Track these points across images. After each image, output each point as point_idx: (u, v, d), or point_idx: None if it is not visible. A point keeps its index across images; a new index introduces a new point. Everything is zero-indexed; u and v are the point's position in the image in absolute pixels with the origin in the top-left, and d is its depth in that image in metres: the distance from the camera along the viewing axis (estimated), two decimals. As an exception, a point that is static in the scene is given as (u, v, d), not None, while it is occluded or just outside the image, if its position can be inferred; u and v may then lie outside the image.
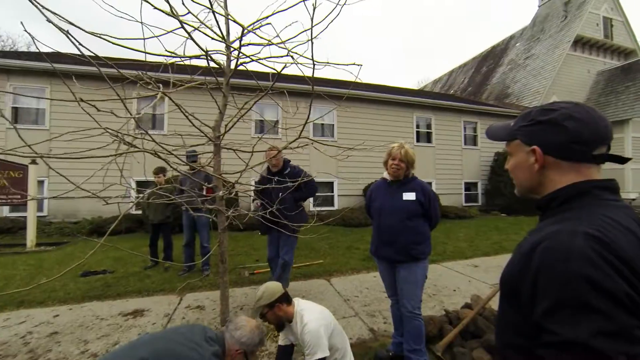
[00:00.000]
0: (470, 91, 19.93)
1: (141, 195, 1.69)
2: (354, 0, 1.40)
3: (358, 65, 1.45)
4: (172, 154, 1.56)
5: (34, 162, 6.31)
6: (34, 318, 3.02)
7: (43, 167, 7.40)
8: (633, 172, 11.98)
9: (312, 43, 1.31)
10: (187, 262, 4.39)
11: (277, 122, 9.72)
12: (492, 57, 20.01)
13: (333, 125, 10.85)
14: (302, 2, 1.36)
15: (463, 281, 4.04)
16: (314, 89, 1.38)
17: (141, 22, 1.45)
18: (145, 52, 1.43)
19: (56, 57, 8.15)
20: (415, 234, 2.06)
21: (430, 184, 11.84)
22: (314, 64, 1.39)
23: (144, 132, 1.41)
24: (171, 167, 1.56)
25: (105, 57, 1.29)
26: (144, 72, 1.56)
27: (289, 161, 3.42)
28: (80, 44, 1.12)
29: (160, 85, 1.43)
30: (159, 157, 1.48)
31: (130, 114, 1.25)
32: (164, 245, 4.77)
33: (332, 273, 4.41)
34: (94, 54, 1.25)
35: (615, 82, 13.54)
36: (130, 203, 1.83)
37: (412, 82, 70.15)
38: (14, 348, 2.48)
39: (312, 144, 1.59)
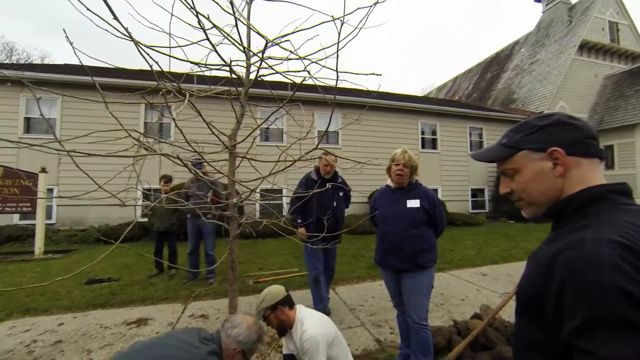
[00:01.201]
0: (475, 97, 19.86)
1: (150, 202, 1.73)
2: (372, 25, 1.47)
3: (378, 75, 1.50)
4: (189, 162, 1.62)
5: (43, 170, 6.44)
6: (39, 326, 3.02)
7: (52, 175, 7.55)
8: (645, 178, 11.70)
9: (338, 56, 1.38)
10: (192, 270, 4.38)
11: (282, 130, 9.79)
12: (496, 63, 19.97)
13: (337, 132, 10.88)
14: (324, 22, 1.44)
15: (471, 290, 3.94)
16: (335, 100, 1.45)
17: (169, 34, 1.54)
18: (170, 56, 1.50)
19: (72, 69, 8.40)
20: (420, 242, 2.01)
21: (436, 190, 11.73)
22: (337, 76, 1.45)
23: (162, 140, 1.46)
24: (190, 170, 1.62)
25: (131, 69, 1.38)
26: (166, 81, 1.63)
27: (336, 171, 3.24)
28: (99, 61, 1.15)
29: (187, 94, 1.50)
30: (180, 162, 1.54)
31: (154, 121, 1.27)
32: (168, 253, 4.78)
33: (337, 281, 4.35)
34: (110, 64, 1.29)
35: (624, 86, 13.35)
36: (141, 209, 1.90)
37: (416, 88, 70.42)
38: (18, 357, 2.48)
39: (327, 154, 1.64)
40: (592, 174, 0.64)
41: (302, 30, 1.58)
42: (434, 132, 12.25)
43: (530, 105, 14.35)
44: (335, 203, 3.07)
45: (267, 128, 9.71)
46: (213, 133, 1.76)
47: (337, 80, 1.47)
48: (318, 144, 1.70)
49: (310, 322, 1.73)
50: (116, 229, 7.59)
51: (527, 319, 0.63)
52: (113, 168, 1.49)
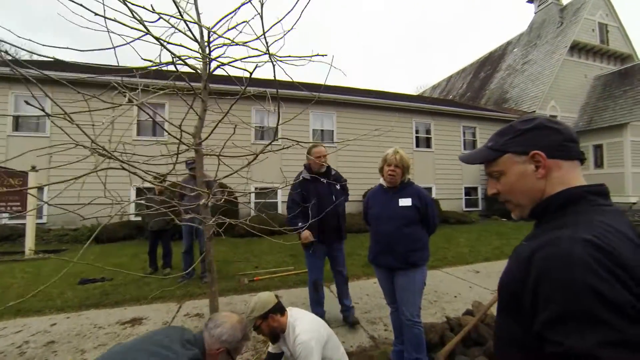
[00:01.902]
0: (468, 96, 20.04)
1: (135, 201, 1.68)
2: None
3: (322, 55, 1.44)
4: (140, 169, 1.53)
5: (33, 169, 6.32)
6: (31, 327, 2.99)
7: (43, 174, 7.41)
8: (633, 176, 11.97)
9: (265, 34, 1.27)
10: (187, 269, 4.36)
11: (277, 128, 9.77)
12: (489, 63, 20.17)
13: (332, 131, 10.90)
14: None
15: (464, 287, 4.00)
16: (278, 92, 1.35)
17: (107, 30, 1.36)
18: (118, 65, 1.41)
19: (51, 65, 8.24)
20: (412, 241, 2.04)
21: (430, 189, 11.84)
22: (272, 63, 1.36)
23: (116, 142, 1.38)
24: (142, 178, 1.53)
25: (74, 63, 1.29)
26: (121, 77, 1.52)
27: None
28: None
29: (127, 92, 1.42)
30: (128, 171, 1.45)
31: (109, 122, 1.24)
32: (163, 253, 4.75)
33: (332, 280, 4.37)
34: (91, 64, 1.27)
35: (613, 87, 13.62)
36: (112, 215, 1.79)
37: (410, 88, 70.73)
38: (9, 358, 2.45)
39: (297, 144, 1.57)
40: (572, 176, 0.66)
41: (243, 5, 1.40)
42: (428, 131, 12.35)
43: (523, 104, 14.54)
44: (334, 197, 2.89)
45: (262, 127, 9.68)
46: (169, 133, 1.65)
47: (274, 68, 1.37)
48: (275, 136, 1.55)
49: (302, 326, 1.71)
50: (109, 227, 7.50)
51: (508, 314, 0.66)
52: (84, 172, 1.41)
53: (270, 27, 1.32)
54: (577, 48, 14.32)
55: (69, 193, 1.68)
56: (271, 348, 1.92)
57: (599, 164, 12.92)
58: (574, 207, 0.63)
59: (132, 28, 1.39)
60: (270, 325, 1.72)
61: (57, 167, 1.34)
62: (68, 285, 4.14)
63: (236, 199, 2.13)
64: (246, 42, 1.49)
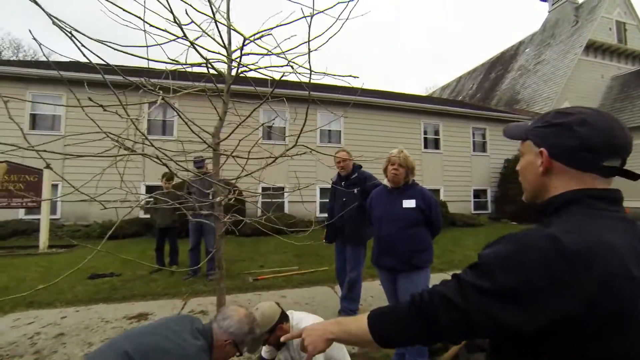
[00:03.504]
0: (479, 97, 19.73)
1: (146, 199, 1.71)
2: (353, 15, 1.41)
3: (355, 77, 1.45)
4: (172, 160, 1.57)
5: (48, 166, 6.51)
6: (42, 319, 3.08)
7: (57, 171, 7.64)
8: (651, 180, 11.60)
9: (310, 56, 1.32)
10: (193, 267, 4.42)
11: (284, 129, 9.82)
12: (501, 63, 19.82)
13: (340, 131, 10.88)
14: (304, 18, 1.37)
15: (470, 291, 3.94)
16: (310, 95, 1.39)
17: (144, 30, 1.47)
18: (148, 59, 1.46)
19: (68, 66, 8.48)
20: (416, 242, 2.03)
21: (438, 191, 11.70)
22: (310, 72, 1.41)
23: (143, 137, 1.42)
24: (170, 171, 1.57)
25: (109, 64, 1.33)
26: (147, 79, 1.58)
27: (360, 167, 3.18)
28: (83, 45, 1.15)
29: (161, 92, 1.46)
30: (160, 161, 1.49)
31: (129, 117, 1.27)
32: (170, 250, 4.83)
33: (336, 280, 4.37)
34: (104, 61, 1.30)
35: (631, 87, 13.19)
36: (129, 207, 1.83)
37: (420, 88, 69.98)
38: (21, 348, 2.54)
39: (310, 151, 1.57)
40: (573, 185, 0.63)
41: (281, 25, 1.49)
42: (436, 132, 12.21)
43: (535, 105, 14.24)
44: (344, 199, 2.95)
45: (270, 126, 9.74)
46: (192, 131, 1.67)
47: (309, 77, 1.42)
48: (296, 142, 1.59)
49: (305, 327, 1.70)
50: (120, 224, 7.67)
51: None
52: (104, 165, 1.44)
53: (317, 48, 1.34)
54: (593, 47, 13.94)
55: (84, 189, 1.73)
56: (264, 353, 1.89)
57: (614, 167, 12.55)
58: (568, 210, 0.62)
59: (162, 30, 1.45)
60: (277, 335, 1.67)
61: (78, 157, 1.37)
62: (78, 279, 4.25)
63: (244, 198, 2.16)
64: (279, 54, 1.52)
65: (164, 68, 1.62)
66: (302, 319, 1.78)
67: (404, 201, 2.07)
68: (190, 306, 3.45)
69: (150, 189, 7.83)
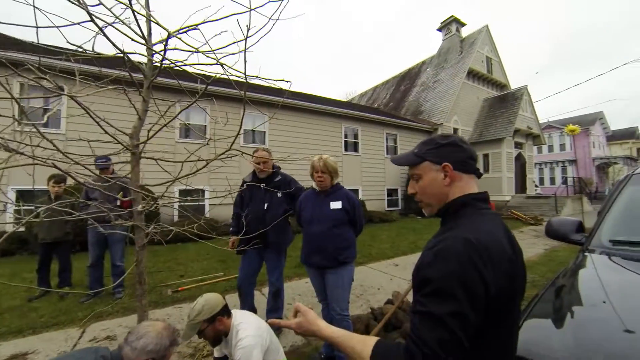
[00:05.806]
0: (391, 106, 22.27)
1: (33, 210, 1.39)
2: (287, 17, 1.44)
3: (287, 81, 1.48)
4: (79, 164, 1.33)
5: None
6: None
7: None
8: (507, 180, 15.19)
9: (246, 60, 1.30)
10: (95, 286, 3.73)
11: (205, 127, 9.17)
12: (408, 78, 22.82)
13: (264, 132, 10.77)
14: (234, 15, 1.34)
15: (386, 279, 4.47)
16: (245, 103, 1.37)
17: (34, 6, 1.18)
18: (39, 44, 1.20)
19: None
20: (341, 241, 2.21)
21: (357, 190, 12.74)
22: (246, 78, 1.40)
23: (34, 128, 1.16)
24: (76, 180, 1.32)
25: None
26: (39, 56, 1.27)
27: (279, 168, 2.96)
28: None
29: (64, 87, 1.22)
30: (59, 169, 1.23)
31: (13, 98, 1.02)
32: (59, 268, 3.96)
33: (263, 282, 4.33)
34: None
35: (494, 108, 17.03)
36: (12, 223, 1.48)
37: (340, 93, 74.62)
38: None
39: (242, 155, 1.55)
40: (469, 186, 0.86)
41: (210, 21, 1.40)
42: (356, 136, 13.29)
43: (434, 117, 16.91)
44: (266, 205, 2.74)
45: (187, 124, 8.93)
46: (107, 132, 1.44)
47: (245, 79, 1.39)
48: (232, 144, 1.54)
49: (246, 330, 1.68)
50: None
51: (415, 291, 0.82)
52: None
53: (251, 45, 1.27)
54: (472, 74, 17.43)
55: None
56: (216, 353, 1.87)
57: (486, 169, 15.92)
58: (464, 211, 0.83)
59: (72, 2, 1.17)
60: (217, 328, 1.65)
61: None
62: None
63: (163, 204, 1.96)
64: (207, 52, 1.40)
65: (67, 51, 1.35)
66: (243, 321, 1.75)
67: (331, 203, 2.24)
68: (91, 333, 2.92)
69: (24, 196, 6.23)
